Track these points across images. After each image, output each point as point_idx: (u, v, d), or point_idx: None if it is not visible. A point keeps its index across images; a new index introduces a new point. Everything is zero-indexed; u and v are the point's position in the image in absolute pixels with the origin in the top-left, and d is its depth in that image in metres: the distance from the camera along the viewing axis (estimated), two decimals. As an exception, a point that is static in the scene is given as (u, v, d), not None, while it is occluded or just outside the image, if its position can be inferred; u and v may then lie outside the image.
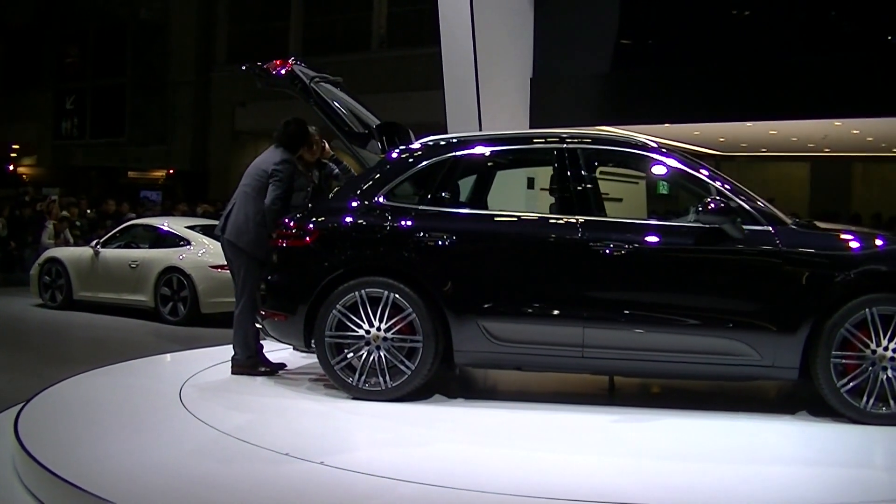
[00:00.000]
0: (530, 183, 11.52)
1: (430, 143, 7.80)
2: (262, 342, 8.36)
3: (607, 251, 6.97)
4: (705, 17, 18.07)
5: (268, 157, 8.36)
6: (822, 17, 17.22)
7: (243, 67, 8.84)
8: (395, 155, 7.82)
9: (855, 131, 20.61)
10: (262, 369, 8.34)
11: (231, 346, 8.45)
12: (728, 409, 7.11)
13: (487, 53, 16.15)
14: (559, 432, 6.65)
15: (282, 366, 8.45)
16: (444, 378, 7.94)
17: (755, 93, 17.05)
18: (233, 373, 8.32)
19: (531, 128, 16.58)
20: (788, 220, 7.18)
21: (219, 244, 14.00)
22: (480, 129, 15.14)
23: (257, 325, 8.00)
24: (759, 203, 7.06)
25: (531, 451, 6.13)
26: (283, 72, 8.34)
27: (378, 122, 8.61)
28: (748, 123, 19.74)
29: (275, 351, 8.58)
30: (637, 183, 16.84)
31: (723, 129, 21.41)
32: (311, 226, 7.56)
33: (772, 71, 16.76)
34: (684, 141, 23.10)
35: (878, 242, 6.95)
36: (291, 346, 7.88)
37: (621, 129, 18.40)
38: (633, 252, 6.98)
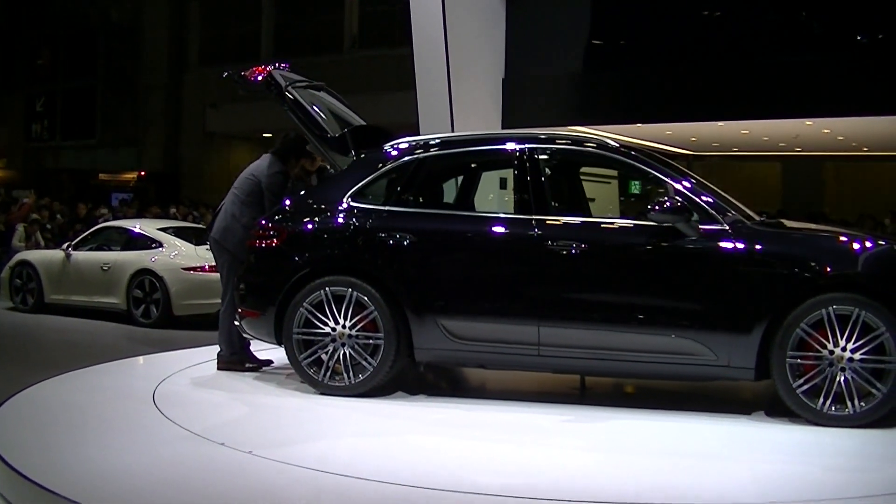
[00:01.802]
0: (503, 183, 11.57)
1: (396, 145, 7.98)
2: (247, 339, 8.42)
3: (562, 250, 7.04)
4: (677, 18, 18.12)
5: (260, 165, 8.64)
6: (793, 18, 17.29)
7: (224, 75, 8.98)
8: (362, 157, 8.01)
9: (826, 131, 20.72)
10: (249, 365, 8.55)
11: (215, 345, 8.61)
12: (704, 408, 7.13)
13: (459, 54, 16.16)
14: (516, 428, 6.73)
15: (268, 362, 8.65)
16: (433, 375, 7.99)
17: (727, 93, 17.11)
18: (218, 369, 8.54)
19: (503, 129, 16.59)
20: (757, 218, 7.26)
21: (191, 246, 14.17)
22: (453, 130, 15.15)
23: (235, 323, 8.15)
24: (717, 201, 7.03)
25: (491, 446, 6.26)
26: (259, 78, 8.43)
27: (364, 124, 8.76)
28: (720, 123, 19.81)
29: (271, 349, 8.60)
30: (609, 183, 16.93)
31: (695, 129, 21.48)
32: (281, 226, 7.81)
33: (743, 71, 16.82)
34: (656, 141, 23.17)
35: (841, 241, 6.90)
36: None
37: (593, 129, 18.44)
38: (587, 251, 7.04)
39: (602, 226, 7.38)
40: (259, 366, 8.59)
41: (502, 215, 7.54)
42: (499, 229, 7.37)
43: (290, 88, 8.32)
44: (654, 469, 5.71)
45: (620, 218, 7.78)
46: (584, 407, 7.35)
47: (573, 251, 7.03)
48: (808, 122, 19.03)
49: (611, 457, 6.02)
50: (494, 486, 5.19)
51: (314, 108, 8.38)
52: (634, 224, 7.25)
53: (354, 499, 5.11)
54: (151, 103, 36.09)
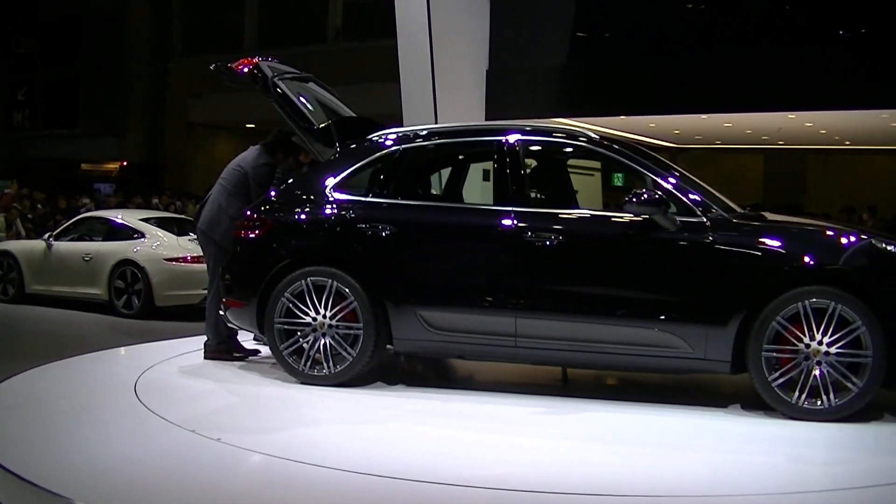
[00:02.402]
0: (486, 175, 11.57)
1: (378, 136, 8.02)
2: (234, 329, 8.48)
3: (538, 241, 7.06)
4: (661, 11, 18.14)
5: (248, 156, 8.73)
6: (777, 11, 17.31)
7: (211, 67, 8.98)
8: (345, 148, 8.07)
9: (808, 124, 20.78)
10: (236, 355, 8.62)
11: (198, 336, 8.71)
12: (682, 400, 7.17)
13: (443, 45, 16.14)
14: (492, 418, 6.79)
15: (255, 352, 8.69)
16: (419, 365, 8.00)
17: (710, 86, 17.14)
18: (205, 358, 8.61)
19: (487, 120, 16.58)
20: (739, 211, 7.27)
21: (173, 236, 14.15)
22: (436, 121, 15.14)
23: (220, 313, 8.22)
24: (695, 194, 7.03)
25: (467, 436, 6.34)
26: (245, 70, 8.48)
27: (353, 115, 8.83)
28: (703, 116, 19.83)
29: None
30: (593, 175, 16.92)
31: (678, 122, 21.53)
32: (264, 217, 7.88)
33: (726, 64, 16.84)
34: (640, 133, 23.20)
35: (818, 235, 6.91)
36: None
37: (577, 121, 18.45)
38: (563, 243, 7.06)
39: (579, 217, 7.37)
40: (245, 355, 8.63)
41: (481, 207, 7.59)
42: (477, 220, 7.42)
43: (276, 80, 8.36)
44: (623, 460, 5.76)
45: (598, 210, 7.76)
46: (562, 398, 7.35)
47: (549, 243, 7.06)
48: (791, 115, 19.07)
49: (583, 447, 6.07)
50: (469, 476, 5.24)
51: (301, 99, 8.41)
52: (612, 216, 7.25)
53: (320, 486, 5.16)
54: (134, 93, 35.95)
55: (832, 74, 15.82)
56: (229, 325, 8.24)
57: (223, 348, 8.63)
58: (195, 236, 13.96)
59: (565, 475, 5.38)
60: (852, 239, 6.71)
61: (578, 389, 7.83)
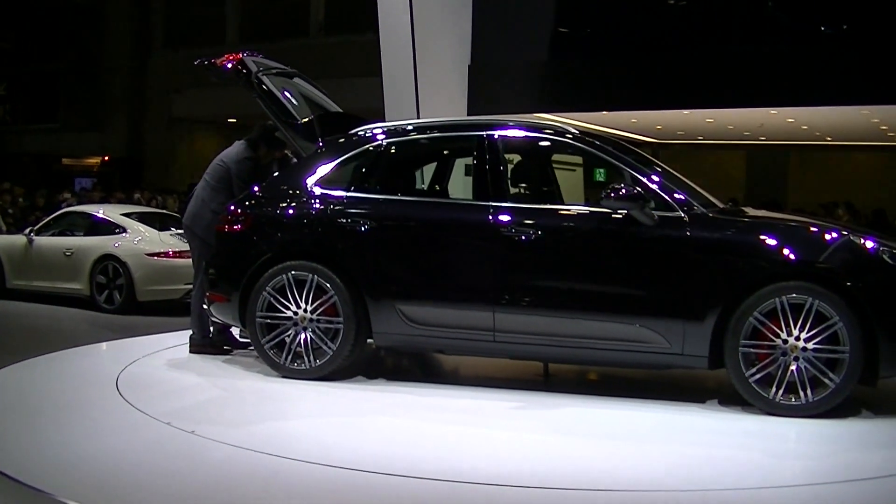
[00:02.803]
0: (468, 170, 11.57)
1: (359, 132, 8.06)
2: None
3: (516, 236, 7.08)
4: (643, 6, 18.20)
5: (231, 152, 8.80)
6: (758, 8, 17.38)
7: (196, 62, 9.04)
8: (328, 144, 8.12)
9: (790, 120, 20.83)
10: (226, 348, 8.69)
11: (179, 331, 8.83)
12: (661, 396, 7.20)
13: (425, 40, 16.15)
14: (470, 412, 6.84)
15: (245, 345, 8.68)
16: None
17: (692, 81, 17.19)
18: (190, 352, 8.67)
19: (469, 115, 16.58)
20: (720, 206, 7.29)
21: (155, 231, 14.12)
22: (418, 116, 15.15)
23: (204, 307, 8.29)
24: (673, 189, 7.04)
25: (443, 429, 6.38)
26: (228, 66, 8.54)
27: (338, 111, 8.94)
28: (685, 111, 19.86)
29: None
30: (574, 170, 16.96)
31: (660, 117, 21.54)
32: (246, 212, 7.94)
33: (709, 60, 16.90)
34: (622, 129, 23.22)
35: (796, 230, 6.88)
36: None
37: (559, 116, 18.47)
38: (542, 237, 7.08)
39: (556, 212, 7.39)
40: (233, 349, 8.68)
41: (458, 202, 7.64)
42: (454, 215, 7.48)
43: (260, 75, 8.39)
44: (598, 454, 5.80)
45: (576, 205, 7.78)
46: (542, 392, 7.41)
47: (526, 237, 7.09)
48: (773, 111, 19.12)
49: (559, 441, 6.09)
50: (444, 470, 5.27)
51: (284, 94, 8.45)
52: (590, 211, 7.25)
53: (291, 479, 5.20)
54: (115, 88, 35.75)
55: (814, 71, 15.89)
56: (213, 319, 8.28)
57: (208, 342, 8.67)
58: (177, 231, 14.07)
59: (540, 469, 5.41)
60: (830, 235, 6.71)
61: (559, 385, 7.88)
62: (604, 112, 19.76)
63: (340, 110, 8.94)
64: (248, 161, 8.63)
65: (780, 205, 20.68)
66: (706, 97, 17.51)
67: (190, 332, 8.76)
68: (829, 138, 24.94)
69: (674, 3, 18.53)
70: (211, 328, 8.67)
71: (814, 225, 7.04)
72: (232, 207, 8.06)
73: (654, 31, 17.73)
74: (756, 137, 25.48)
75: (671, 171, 7.78)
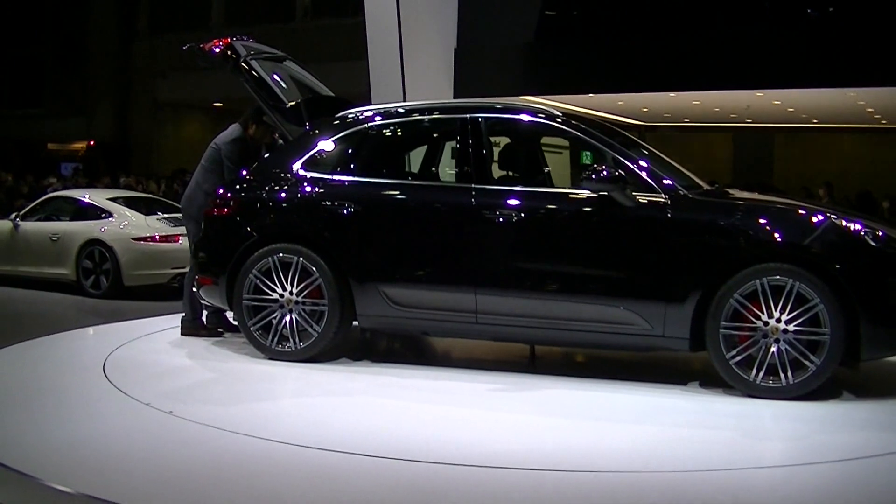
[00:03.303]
0: (454, 153, 11.58)
1: (345, 115, 8.09)
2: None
3: (497, 218, 7.09)
4: (629, -12, 18.22)
5: (223, 134, 8.85)
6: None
7: (184, 48, 9.06)
8: (312, 127, 8.17)
9: (776, 102, 20.88)
10: (220, 330, 8.72)
11: (166, 315, 8.87)
12: (644, 378, 7.22)
13: (411, 23, 16.14)
14: (450, 393, 6.88)
15: (238, 328, 8.60)
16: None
17: (678, 63, 17.23)
18: (182, 334, 8.72)
19: (455, 98, 16.57)
20: (705, 188, 7.30)
21: (141, 216, 14.09)
22: (405, 100, 15.14)
23: (194, 290, 8.35)
24: (655, 170, 7.03)
25: (421, 409, 6.45)
26: (216, 50, 8.58)
27: (328, 94, 8.99)
28: (671, 94, 19.90)
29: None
30: (561, 153, 16.93)
31: (646, 100, 21.58)
32: (233, 195, 8.00)
33: (695, 42, 16.94)
34: (608, 111, 23.24)
35: (778, 211, 6.84)
36: None
37: (546, 99, 18.48)
38: (522, 220, 7.10)
39: (537, 194, 7.36)
40: (226, 331, 8.71)
41: (440, 184, 7.69)
42: (436, 198, 7.49)
43: (249, 59, 8.41)
44: (578, 435, 5.83)
45: (557, 187, 7.78)
46: (526, 374, 7.44)
47: (507, 219, 7.10)
48: (759, 93, 19.17)
49: (539, 422, 6.13)
50: (424, 451, 5.31)
51: (273, 78, 8.47)
52: (570, 193, 7.24)
53: (262, 459, 5.23)
54: (100, 72, 35.63)
55: (800, 53, 15.94)
56: (202, 301, 8.35)
57: (200, 324, 8.75)
58: (164, 216, 14.04)
59: (520, 450, 5.44)
60: (812, 217, 6.67)
61: (545, 367, 7.90)
62: (590, 95, 19.77)
63: (332, 94, 8.97)
64: (237, 142, 8.67)
65: (773, 187, 20.73)
66: (692, 79, 17.56)
67: (182, 314, 8.81)
68: (815, 120, 25.02)
69: (660, -16, 18.53)
70: (204, 311, 8.69)
71: (796, 207, 7.02)
72: (220, 191, 8.12)
73: (640, 14, 17.75)
74: (742, 120, 25.54)
75: (656, 152, 7.78)
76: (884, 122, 24.03)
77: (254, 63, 8.46)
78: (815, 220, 6.64)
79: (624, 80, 18.16)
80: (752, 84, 17.60)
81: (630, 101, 21.76)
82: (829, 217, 6.66)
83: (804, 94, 18.92)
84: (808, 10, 16.68)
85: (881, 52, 15.41)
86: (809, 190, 19.41)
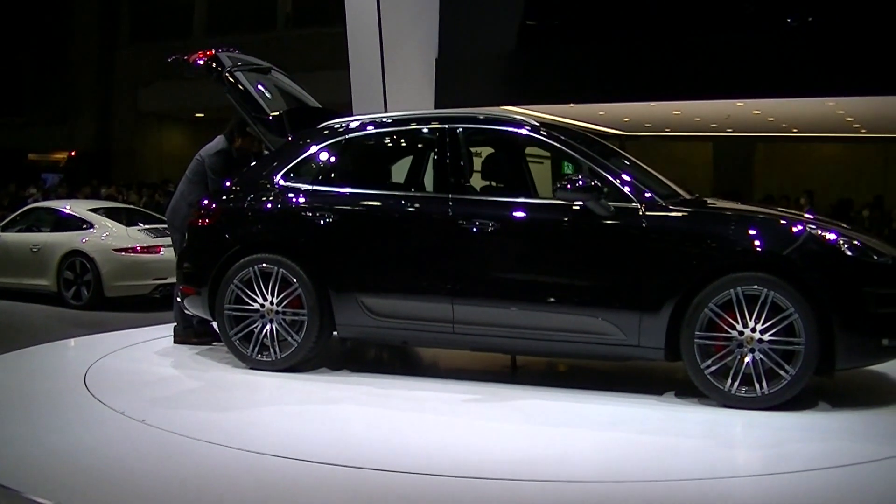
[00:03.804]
0: (433, 163, 11.60)
1: (326, 126, 8.14)
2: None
3: (474, 228, 7.12)
4: (609, -1, 18.28)
5: (208, 146, 8.93)
6: (725, 0, 17.47)
7: (169, 59, 9.14)
8: (296, 137, 8.23)
9: (756, 112, 20.95)
10: (208, 339, 8.78)
11: (148, 326, 8.97)
12: (618, 388, 7.24)
13: (393, 33, 16.15)
14: (424, 402, 6.91)
15: None
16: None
17: (659, 73, 17.27)
18: (174, 342, 8.84)
19: (437, 108, 16.59)
20: (687, 197, 7.32)
21: (122, 226, 14.08)
22: (386, 110, 15.15)
23: (177, 300, 8.46)
24: (631, 180, 7.04)
25: (395, 417, 6.53)
26: (200, 62, 8.66)
27: (318, 105, 9.11)
28: (652, 104, 19.94)
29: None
30: (542, 163, 16.98)
31: (627, 109, 21.62)
32: (216, 205, 8.08)
33: (675, 51, 16.99)
34: (589, 121, 23.29)
35: (753, 221, 6.81)
36: None
37: (526, 109, 18.52)
38: (499, 229, 7.12)
39: (513, 204, 7.36)
40: (215, 339, 8.70)
41: (417, 194, 7.74)
42: (413, 208, 7.53)
43: (234, 71, 8.47)
44: (551, 443, 5.88)
45: (532, 197, 7.83)
46: (503, 384, 7.45)
47: (483, 229, 7.13)
48: (739, 103, 19.22)
49: (510, 432, 6.14)
50: (396, 462, 5.33)
51: (258, 89, 8.50)
52: (545, 203, 7.30)
53: (231, 468, 5.27)
54: (82, 81, 35.50)
55: (779, 62, 16.00)
56: (186, 312, 8.40)
57: (191, 332, 8.84)
58: (145, 226, 14.03)
59: (494, 460, 5.48)
60: (787, 226, 6.71)
61: (525, 376, 7.93)
62: (571, 105, 19.81)
63: (318, 105, 9.03)
64: (221, 154, 8.76)
65: (750, 196, 20.83)
66: (673, 89, 17.61)
67: (174, 324, 8.93)
68: (794, 130, 25.10)
69: (640, -5, 18.60)
70: (194, 319, 8.72)
71: (772, 216, 7.05)
72: (204, 202, 8.19)
73: (621, 23, 17.80)
74: (723, 129, 25.61)
75: (636, 162, 7.81)
76: (863, 130, 24.13)
77: (238, 74, 8.52)
78: (789, 229, 6.67)
79: (605, 89, 18.20)
80: (733, 94, 17.66)
81: (611, 110, 21.80)
82: (804, 226, 6.67)
83: (784, 104, 18.98)
84: (788, 20, 16.75)
85: (860, 61, 15.48)
86: (790, 199, 19.50)
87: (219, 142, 8.83)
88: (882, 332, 6.45)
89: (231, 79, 8.46)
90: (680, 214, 6.88)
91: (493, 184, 7.98)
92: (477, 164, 8.00)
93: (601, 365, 7.90)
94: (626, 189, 6.96)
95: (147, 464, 5.37)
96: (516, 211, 7.25)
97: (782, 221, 6.82)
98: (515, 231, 7.20)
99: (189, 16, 32.89)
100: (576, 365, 8.17)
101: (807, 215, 7.63)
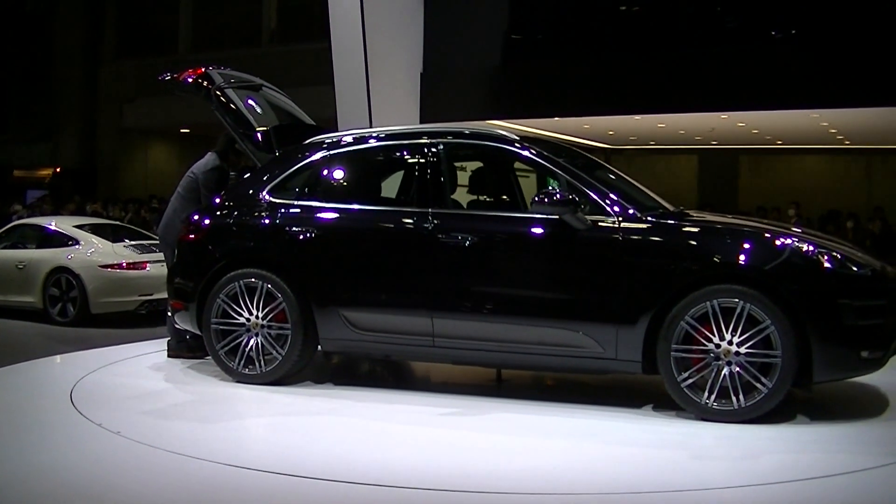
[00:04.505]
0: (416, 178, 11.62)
1: (311, 141, 8.22)
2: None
3: (451, 242, 7.17)
4: (595, 12, 18.32)
5: (200, 163, 9.05)
6: (709, 12, 17.55)
7: (158, 78, 9.21)
8: (282, 153, 8.33)
9: (741, 124, 21.01)
10: (201, 354, 8.75)
11: (133, 343, 9.08)
12: (600, 401, 7.29)
13: (377, 48, 16.18)
14: (405, 415, 6.93)
15: None
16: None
17: (643, 86, 17.32)
18: (168, 357, 8.94)
19: (422, 123, 16.61)
20: (671, 209, 7.36)
21: (108, 243, 14.05)
22: (371, 125, 15.16)
23: (168, 315, 8.52)
24: (609, 193, 7.05)
25: (368, 429, 6.58)
26: (189, 80, 8.75)
27: (310, 122, 9.23)
28: (636, 117, 19.99)
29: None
30: (528, 177, 17.02)
31: (612, 123, 21.66)
32: (204, 221, 8.15)
33: (659, 65, 17.04)
34: (574, 134, 23.33)
35: (731, 233, 6.82)
36: None
37: (511, 123, 18.56)
38: (477, 243, 7.16)
39: (491, 218, 7.48)
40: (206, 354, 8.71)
41: (398, 209, 7.72)
42: (393, 222, 7.58)
43: (223, 88, 8.51)
44: (529, 456, 5.92)
45: (510, 211, 7.87)
46: (486, 397, 7.51)
47: (461, 243, 7.17)
48: (724, 115, 19.28)
49: (487, 444, 6.19)
50: (375, 475, 5.37)
51: (247, 105, 8.54)
52: (525, 216, 7.33)
53: (199, 480, 5.34)
54: (66, 97, 35.42)
55: (764, 75, 16.06)
56: (176, 326, 8.49)
57: (184, 346, 8.91)
58: (131, 243, 14.01)
59: (469, 473, 5.51)
60: (765, 238, 6.73)
61: (509, 390, 7.97)
62: (556, 118, 19.85)
63: (312, 122, 9.08)
64: (215, 171, 8.88)
65: (734, 208, 20.87)
66: (657, 102, 17.65)
67: (167, 338, 9.01)
68: (779, 142, 25.19)
69: (625, 9, 18.66)
70: (188, 333, 8.76)
71: (751, 228, 7.06)
72: (194, 217, 8.27)
73: (605, 37, 17.88)
74: (707, 142, 25.68)
75: (620, 174, 7.84)
76: (847, 142, 24.23)
77: (228, 91, 8.56)
78: (766, 241, 6.69)
79: (589, 103, 18.24)
80: (717, 106, 17.72)
81: (596, 124, 21.84)
82: (781, 238, 6.69)
83: (768, 116, 19.04)
84: (773, 33, 16.83)
85: (844, 73, 15.56)
86: (778, 210, 19.56)
87: (212, 159, 8.93)
88: (862, 344, 6.46)
89: (220, 95, 8.49)
90: (656, 227, 6.90)
91: (481, 198, 8.01)
92: (464, 178, 8.04)
93: (585, 378, 7.93)
94: (603, 202, 6.98)
95: (131, 480, 5.39)
96: (495, 225, 7.30)
97: (759, 234, 6.83)
98: (494, 245, 7.24)
99: (174, 32, 32.88)
100: (560, 378, 8.19)
101: (794, 228, 7.65)
